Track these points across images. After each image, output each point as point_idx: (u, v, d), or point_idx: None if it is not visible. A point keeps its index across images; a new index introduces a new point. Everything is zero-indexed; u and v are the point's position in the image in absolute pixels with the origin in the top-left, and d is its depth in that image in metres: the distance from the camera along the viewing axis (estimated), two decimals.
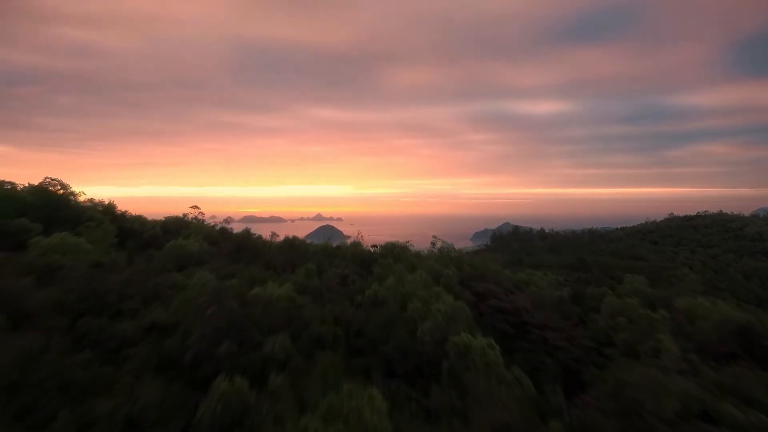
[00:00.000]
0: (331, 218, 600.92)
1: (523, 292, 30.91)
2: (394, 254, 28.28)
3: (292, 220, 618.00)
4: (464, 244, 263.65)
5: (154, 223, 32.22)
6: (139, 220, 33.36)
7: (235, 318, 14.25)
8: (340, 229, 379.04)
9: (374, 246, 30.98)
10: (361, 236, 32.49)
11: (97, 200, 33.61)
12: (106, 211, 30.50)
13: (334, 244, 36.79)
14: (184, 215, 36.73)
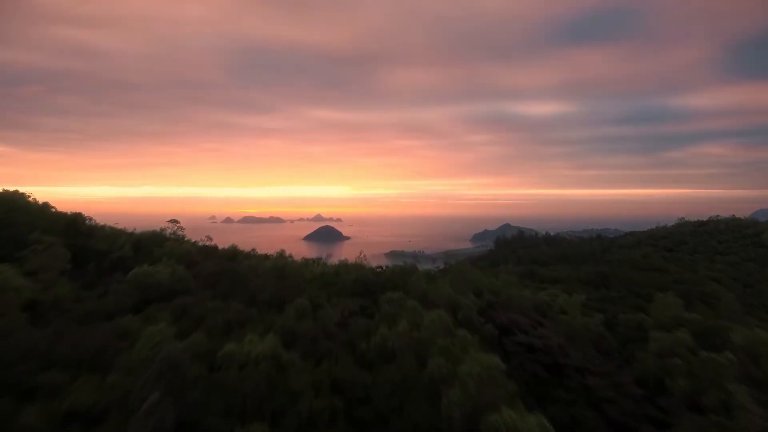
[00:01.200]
0: (331, 219, 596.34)
1: (551, 322, 26.73)
2: (403, 276, 23.99)
3: (292, 221, 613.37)
4: (464, 246, 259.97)
5: (126, 240, 27.86)
6: (110, 236, 29.06)
7: (187, 407, 10.04)
8: (339, 229, 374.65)
9: (379, 267, 26.52)
10: (364, 257, 28.08)
11: (62, 211, 29.36)
12: (68, 228, 26.15)
13: (331, 259, 32.33)
14: (162, 229, 32.26)
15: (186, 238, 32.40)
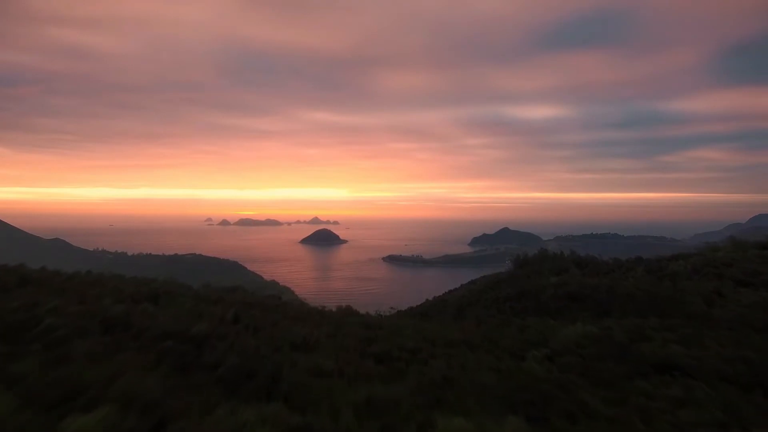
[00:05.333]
0: (328, 222, 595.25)
1: None
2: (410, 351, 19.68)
3: (289, 223, 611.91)
4: (463, 250, 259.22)
5: None
6: None
7: None
8: (336, 232, 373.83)
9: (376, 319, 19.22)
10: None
11: None
12: None
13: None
14: None
15: None
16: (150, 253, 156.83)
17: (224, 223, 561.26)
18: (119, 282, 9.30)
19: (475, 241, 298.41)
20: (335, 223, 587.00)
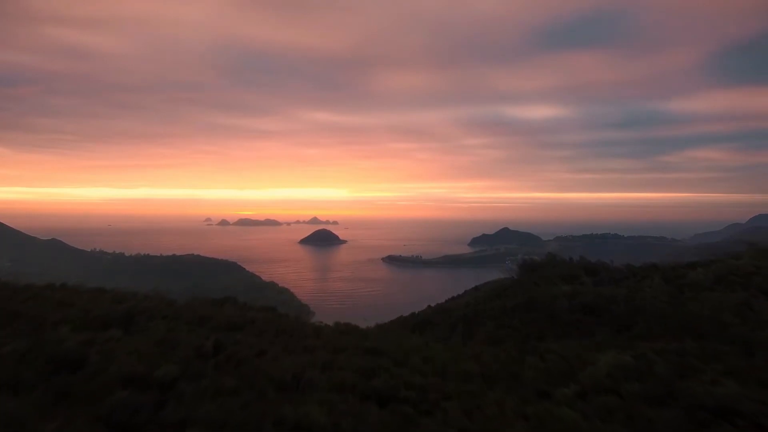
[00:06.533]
0: (327, 222, 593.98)
1: None
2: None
3: (288, 223, 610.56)
4: (463, 250, 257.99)
5: None
6: None
7: None
8: (335, 233, 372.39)
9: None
10: None
11: None
12: None
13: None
14: None
15: None
16: (148, 254, 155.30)
17: (223, 223, 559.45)
18: (92, 298, 8.36)
19: (475, 241, 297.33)
20: (335, 223, 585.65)
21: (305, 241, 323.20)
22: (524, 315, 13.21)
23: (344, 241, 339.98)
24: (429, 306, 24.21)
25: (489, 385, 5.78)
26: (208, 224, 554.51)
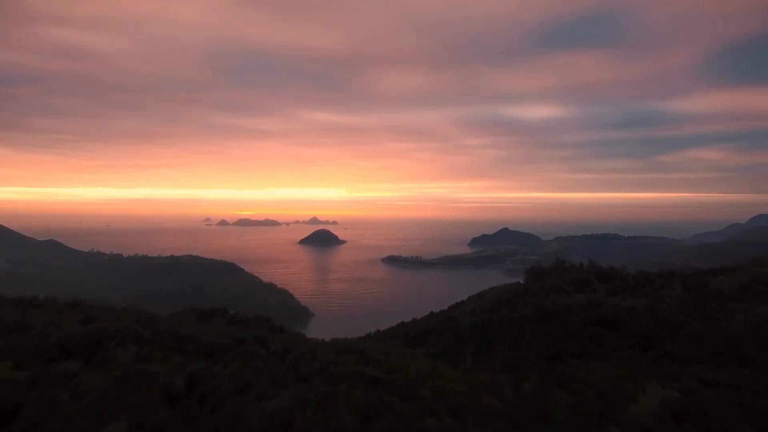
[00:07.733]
0: (327, 222, 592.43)
1: None
2: None
3: (288, 224, 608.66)
4: (463, 251, 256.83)
5: None
6: None
7: None
8: (335, 233, 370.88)
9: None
10: None
11: None
12: None
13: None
14: None
15: None
16: (146, 255, 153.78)
17: (223, 223, 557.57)
18: (58, 319, 7.42)
19: (475, 241, 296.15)
20: (334, 223, 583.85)
21: (305, 242, 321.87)
22: (536, 328, 12.25)
23: (344, 242, 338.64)
24: (432, 312, 23.32)
25: (514, 429, 4.86)
26: (208, 224, 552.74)
